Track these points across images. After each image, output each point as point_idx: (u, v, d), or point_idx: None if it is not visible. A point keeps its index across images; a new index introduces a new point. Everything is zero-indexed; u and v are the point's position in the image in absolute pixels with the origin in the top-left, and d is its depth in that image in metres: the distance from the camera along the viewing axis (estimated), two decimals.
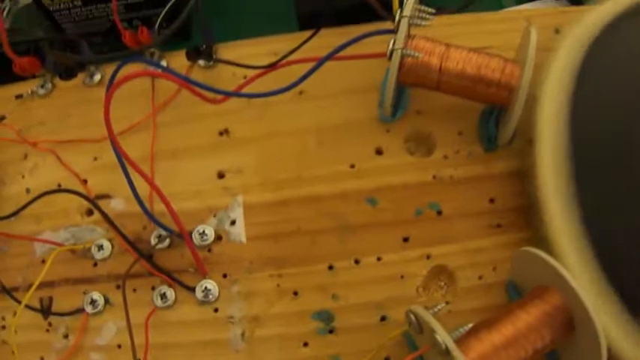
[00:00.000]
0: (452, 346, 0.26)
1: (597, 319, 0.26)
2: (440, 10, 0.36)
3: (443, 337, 0.26)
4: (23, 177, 0.38)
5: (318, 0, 0.40)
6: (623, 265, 0.30)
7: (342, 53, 0.33)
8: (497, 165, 0.35)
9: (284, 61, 0.35)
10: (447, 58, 0.33)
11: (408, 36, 0.33)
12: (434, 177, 0.35)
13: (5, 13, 0.40)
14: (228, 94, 0.33)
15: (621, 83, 0.34)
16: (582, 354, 0.28)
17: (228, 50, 0.39)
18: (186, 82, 0.31)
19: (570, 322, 0.28)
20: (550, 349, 0.30)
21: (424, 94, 0.36)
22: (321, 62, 0.33)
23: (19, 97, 0.40)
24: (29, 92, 0.39)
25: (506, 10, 0.44)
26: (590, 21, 0.35)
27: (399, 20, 0.33)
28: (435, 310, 0.30)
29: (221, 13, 0.46)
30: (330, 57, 0.33)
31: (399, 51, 0.32)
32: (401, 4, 0.33)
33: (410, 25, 0.33)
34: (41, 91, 0.39)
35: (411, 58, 0.33)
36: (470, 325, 0.29)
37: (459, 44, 0.34)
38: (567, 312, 0.28)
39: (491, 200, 0.35)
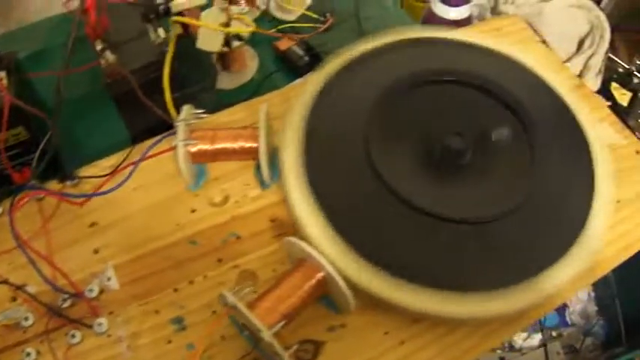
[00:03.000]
0: (233, 300, 0.42)
1: (331, 269, 0.43)
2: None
3: (229, 297, 0.42)
4: None
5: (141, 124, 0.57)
6: (346, 218, 0.47)
7: (151, 154, 0.50)
8: (272, 197, 0.53)
9: (119, 169, 0.52)
10: (215, 139, 0.51)
11: (190, 131, 0.51)
12: (232, 217, 0.52)
13: None
14: (87, 196, 0.50)
15: (330, 128, 0.52)
16: (337, 293, 0.45)
17: (86, 170, 0.55)
18: (60, 195, 0.47)
19: (322, 276, 0.45)
20: (319, 295, 0.46)
21: (218, 165, 0.53)
22: (138, 162, 0.50)
23: None
24: None
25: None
26: (309, 86, 0.53)
27: (178, 124, 0.50)
28: (235, 290, 0.45)
29: (77, 148, 0.63)
30: (141, 160, 0.50)
31: (179, 143, 0.49)
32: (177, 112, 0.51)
33: (187, 125, 0.50)
34: None
35: (190, 145, 0.50)
36: (248, 289, 0.45)
37: (224, 129, 0.51)
38: (317, 269, 0.44)
39: (273, 220, 0.52)
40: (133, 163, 0.51)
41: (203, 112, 0.52)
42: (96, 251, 0.52)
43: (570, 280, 0.46)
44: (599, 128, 0.58)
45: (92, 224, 0.53)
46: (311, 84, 0.54)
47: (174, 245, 0.51)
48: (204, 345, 0.46)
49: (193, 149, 0.51)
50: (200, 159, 0.52)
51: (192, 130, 0.52)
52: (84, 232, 0.52)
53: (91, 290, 0.49)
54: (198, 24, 0.58)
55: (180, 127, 0.50)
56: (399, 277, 0.45)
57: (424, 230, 0.47)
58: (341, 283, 0.44)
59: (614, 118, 0.61)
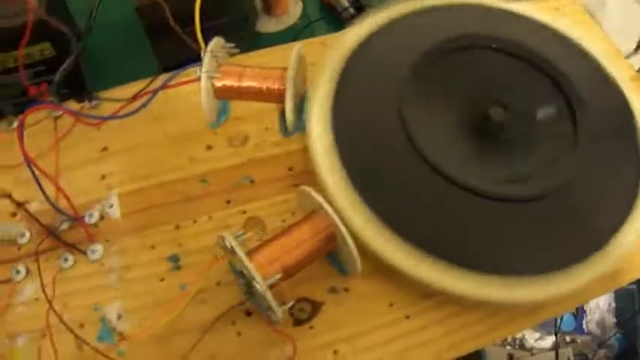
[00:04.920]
0: (231, 242, 0.37)
1: (342, 226, 0.38)
2: None
3: (228, 239, 0.37)
4: None
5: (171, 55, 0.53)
6: (371, 180, 0.42)
7: (173, 83, 0.46)
8: (292, 145, 0.48)
9: (139, 94, 0.48)
10: (242, 76, 0.46)
11: (217, 64, 0.46)
12: (248, 160, 0.48)
13: None
14: (103, 118, 0.46)
15: (364, 84, 0.47)
16: (345, 253, 0.40)
17: (108, 93, 0.51)
18: (75, 113, 0.43)
19: (331, 232, 0.40)
20: (326, 252, 0.41)
21: (241, 104, 0.48)
22: (158, 89, 0.46)
23: None
24: None
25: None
26: (348, 38, 0.48)
27: (205, 54, 0.45)
28: (238, 234, 0.41)
29: (103, 72, 0.59)
30: (162, 87, 0.46)
31: (203, 74, 0.45)
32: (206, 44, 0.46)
33: (214, 58, 0.45)
34: None
35: (215, 79, 0.45)
36: (250, 235, 0.40)
37: (255, 66, 0.46)
38: (327, 223, 0.40)
39: (290, 169, 0.47)
40: (153, 91, 0.47)
41: (235, 48, 0.47)
42: (103, 177, 0.48)
43: (597, 278, 0.40)
44: None
45: (104, 149, 0.49)
46: (350, 37, 0.49)
47: (184, 181, 0.47)
48: (197, 287, 0.41)
49: (218, 84, 0.46)
50: (224, 95, 0.47)
51: (220, 64, 0.47)
52: (94, 156, 0.49)
53: (90, 215, 0.46)
54: None
55: (207, 58, 0.45)
56: (423, 250, 0.40)
57: (455, 203, 0.41)
58: (350, 243, 0.39)
59: None
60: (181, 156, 0.48)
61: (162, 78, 0.49)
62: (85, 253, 0.45)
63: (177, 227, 0.45)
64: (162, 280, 0.43)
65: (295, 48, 0.46)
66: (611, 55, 0.55)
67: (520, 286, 0.39)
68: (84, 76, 0.53)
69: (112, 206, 0.46)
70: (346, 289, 0.43)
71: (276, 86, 0.46)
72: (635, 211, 0.43)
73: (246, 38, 0.56)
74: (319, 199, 0.39)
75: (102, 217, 0.46)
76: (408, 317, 0.42)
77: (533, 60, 0.47)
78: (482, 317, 0.42)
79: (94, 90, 0.52)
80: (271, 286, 0.38)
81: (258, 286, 0.37)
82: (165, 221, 0.46)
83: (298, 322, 0.42)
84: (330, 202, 0.39)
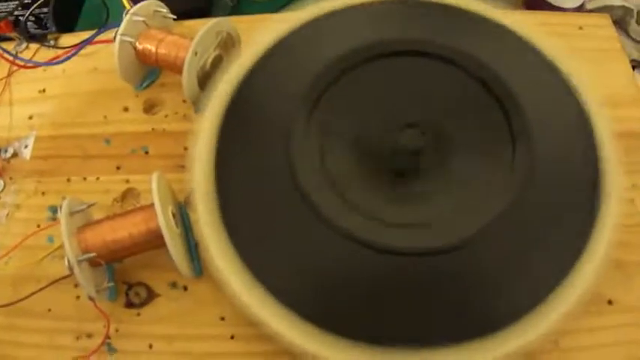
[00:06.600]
0: (64, 212, 0.36)
1: (165, 229, 0.34)
2: None
3: (64, 206, 0.36)
4: None
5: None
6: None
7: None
8: None
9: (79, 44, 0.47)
10: (161, 43, 0.43)
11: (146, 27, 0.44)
12: (152, 129, 0.45)
13: None
14: (37, 64, 0.46)
15: (251, 123, 0.38)
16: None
17: (66, 38, 0.52)
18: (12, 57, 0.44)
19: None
20: (156, 246, 0.37)
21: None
22: (86, 42, 0.45)
23: None
24: None
25: None
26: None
27: (125, 15, 0.43)
28: (89, 203, 0.39)
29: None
30: (88, 41, 0.45)
31: (119, 36, 0.43)
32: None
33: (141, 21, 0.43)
34: None
35: (138, 42, 0.43)
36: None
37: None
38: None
39: (185, 148, 0.44)
40: (81, 44, 0.45)
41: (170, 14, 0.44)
42: (30, 117, 0.48)
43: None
44: None
45: (42, 90, 0.50)
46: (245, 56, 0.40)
47: (91, 138, 0.46)
48: (60, 242, 0.40)
49: (139, 47, 0.44)
50: (146, 60, 0.45)
51: (149, 27, 0.44)
52: (32, 95, 0.50)
53: (6, 151, 0.47)
54: None
55: (125, 20, 0.43)
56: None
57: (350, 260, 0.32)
58: (172, 250, 0.35)
59: None
60: (99, 112, 0.47)
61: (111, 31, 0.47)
62: None
63: (69, 180, 0.45)
64: (38, 225, 0.43)
65: (211, 22, 0.41)
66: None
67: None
68: (74, 19, 0.53)
69: (26, 147, 0.47)
70: (185, 288, 0.39)
71: (181, 55, 0.42)
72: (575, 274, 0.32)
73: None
74: (155, 199, 0.36)
75: (15, 155, 0.47)
76: (232, 337, 0.37)
77: (458, 62, 0.37)
78: None
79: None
80: (93, 263, 0.37)
81: (67, 257, 0.35)
82: (62, 172, 0.45)
83: (129, 305, 0.39)
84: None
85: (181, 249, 0.37)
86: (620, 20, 0.59)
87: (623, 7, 0.57)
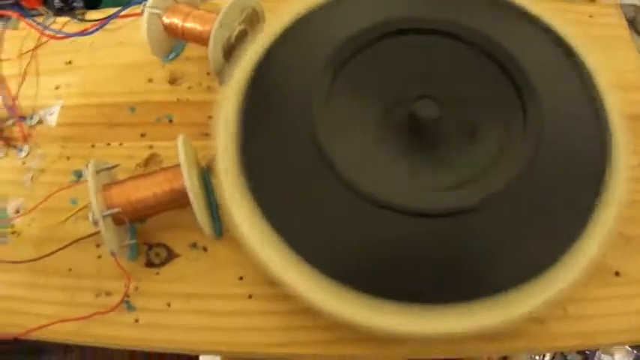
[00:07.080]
0: (91, 170, 0.37)
1: (190, 188, 0.35)
2: None
3: (90, 166, 0.37)
4: None
5: None
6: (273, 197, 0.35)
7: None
8: None
9: (106, 19, 0.48)
10: (187, 17, 0.45)
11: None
12: (177, 99, 0.46)
13: None
14: (68, 36, 0.48)
15: (275, 92, 0.39)
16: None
17: (95, 14, 0.53)
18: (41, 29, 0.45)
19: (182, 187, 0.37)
20: (179, 205, 0.38)
21: (197, 46, 0.46)
22: (113, 16, 0.46)
23: None
24: None
25: None
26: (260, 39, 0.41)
27: None
28: (112, 165, 0.40)
29: None
30: (115, 15, 0.46)
31: (147, 9, 0.44)
32: None
33: None
34: None
35: (166, 16, 0.44)
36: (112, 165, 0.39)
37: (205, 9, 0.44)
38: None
39: (210, 117, 0.44)
40: (109, 17, 0.47)
41: None
42: (57, 87, 0.50)
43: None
44: None
45: (69, 62, 0.51)
46: (266, 34, 0.41)
47: (116, 106, 0.47)
48: (84, 204, 0.41)
49: (166, 20, 0.45)
50: (173, 33, 0.46)
51: (176, 1, 0.46)
52: (59, 66, 0.51)
53: (31, 118, 0.48)
54: None
55: None
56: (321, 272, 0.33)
57: (365, 219, 0.34)
58: (197, 211, 0.36)
59: None
60: (124, 84, 0.48)
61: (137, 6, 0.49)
62: (15, 147, 0.47)
63: (93, 146, 0.46)
64: (61, 189, 0.44)
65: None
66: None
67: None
68: None
69: (52, 114, 0.48)
70: (205, 249, 0.40)
71: (207, 28, 0.43)
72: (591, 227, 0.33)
73: None
74: (181, 157, 0.37)
75: (40, 122, 0.48)
76: (250, 297, 0.38)
77: (466, 39, 0.38)
78: (326, 326, 0.36)
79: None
80: (117, 221, 0.38)
81: (92, 212, 0.36)
82: (87, 139, 0.46)
83: (149, 264, 0.40)
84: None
85: (204, 208, 0.38)
86: (632, 19, 0.60)
87: (634, 5, 0.59)
